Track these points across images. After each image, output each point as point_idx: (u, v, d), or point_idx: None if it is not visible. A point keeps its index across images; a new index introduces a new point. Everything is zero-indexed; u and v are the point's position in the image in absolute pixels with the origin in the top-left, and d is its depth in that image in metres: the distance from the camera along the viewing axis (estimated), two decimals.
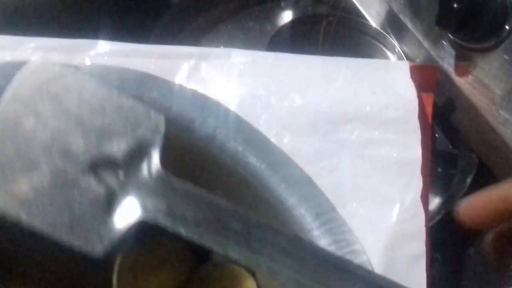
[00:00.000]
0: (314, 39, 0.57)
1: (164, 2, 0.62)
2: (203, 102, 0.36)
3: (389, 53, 0.56)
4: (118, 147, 0.29)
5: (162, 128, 0.31)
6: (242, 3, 0.62)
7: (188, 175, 0.35)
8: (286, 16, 0.63)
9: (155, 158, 0.30)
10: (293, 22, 0.59)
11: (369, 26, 0.57)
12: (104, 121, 0.29)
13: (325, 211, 0.34)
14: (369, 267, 0.33)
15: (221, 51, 0.48)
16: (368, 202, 0.42)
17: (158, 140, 0.30)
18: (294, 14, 0.63)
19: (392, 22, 0.54)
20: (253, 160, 0.35)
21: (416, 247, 0.40)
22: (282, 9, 0.63)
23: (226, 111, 0.36)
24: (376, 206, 0.42)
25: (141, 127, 0.30)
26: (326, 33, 0.55)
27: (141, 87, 0.35)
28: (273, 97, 0.45)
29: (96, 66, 0.35)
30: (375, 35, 0.56)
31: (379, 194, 0.42)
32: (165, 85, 0.35)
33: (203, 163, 0.35)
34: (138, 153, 0.30)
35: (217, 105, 0.36)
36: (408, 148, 0.44)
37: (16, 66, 0.30)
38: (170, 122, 0.35)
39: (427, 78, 0.48)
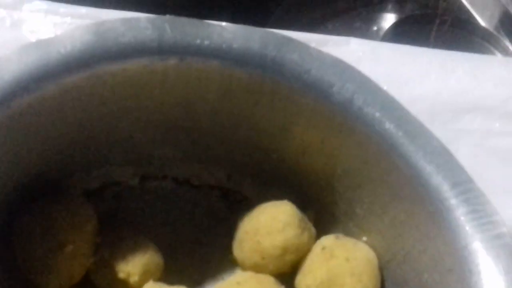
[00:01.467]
0: (423, 39, 0.57)
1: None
2: (341, 67, 0.36)
3: (501, 55, 0.56)
4: None
5: None
6: (350, 3, 0.63)
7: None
8: (392, 18, 0.63)
9: None
10: (400, 22, 0.59)
11: (481, 28, 0.57)
12: None
13: (463, 182, 0.34)
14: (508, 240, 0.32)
15: (340, 38, 0.48)
16: (486, 193, 0.41)
17: None
18: (400, 16, 0.63)
19: (506, 23, 0.54)
20: (390, 127, 0.35)
21: None
22: (389, 11, 0.64)
23: (364, 77, 0.36)
24: (494, 197, 0.41)
25: None
26: (438, 32, 0.55)
27: (282, 49, 0.35)
28: (391, 85, 0.45)
29: (239, 27, 0.36)
30: (487, 37, 0.56)
31: (498, 185, 0.41)
32: (304, 49, 0.36)
33: (340, 128, 0.36)
34: None
35: (356, 71, 0.36)
36: None
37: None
38: (309, 86, 0.36)
39: None
